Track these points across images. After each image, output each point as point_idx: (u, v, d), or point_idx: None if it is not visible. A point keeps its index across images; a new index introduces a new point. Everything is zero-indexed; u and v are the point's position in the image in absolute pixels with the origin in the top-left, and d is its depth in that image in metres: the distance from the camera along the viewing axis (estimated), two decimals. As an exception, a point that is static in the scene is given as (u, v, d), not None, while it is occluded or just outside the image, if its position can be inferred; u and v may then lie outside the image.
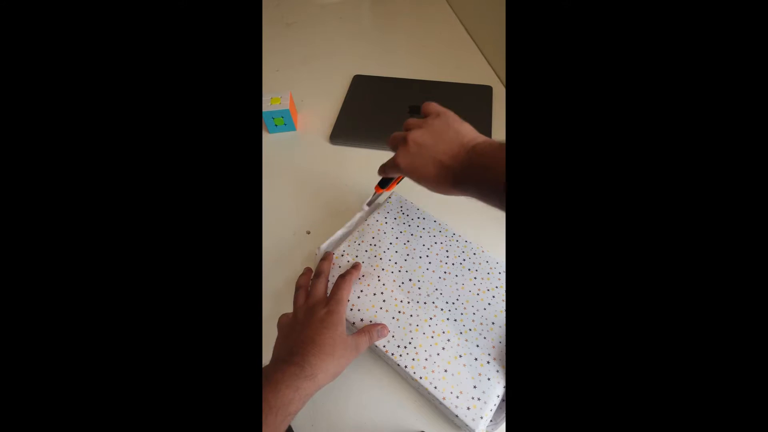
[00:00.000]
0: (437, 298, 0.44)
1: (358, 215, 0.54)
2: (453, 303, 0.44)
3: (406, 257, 0.47)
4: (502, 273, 0.46)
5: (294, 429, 0.38)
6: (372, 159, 0.64)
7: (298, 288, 0.44)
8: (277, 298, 0.48)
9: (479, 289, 0.45)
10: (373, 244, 0.49)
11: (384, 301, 0.44)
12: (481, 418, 0.37)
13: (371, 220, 0.51)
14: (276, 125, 0.67)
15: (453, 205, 0.55)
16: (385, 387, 0.42)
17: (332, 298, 0.40)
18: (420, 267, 0.47)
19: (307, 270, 0.46)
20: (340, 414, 0.41)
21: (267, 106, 0.65)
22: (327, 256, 0.47)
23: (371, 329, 0.40)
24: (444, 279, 0.45)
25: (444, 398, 0.38)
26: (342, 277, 0.43)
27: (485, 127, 0.66)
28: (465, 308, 0.43)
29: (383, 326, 0.41)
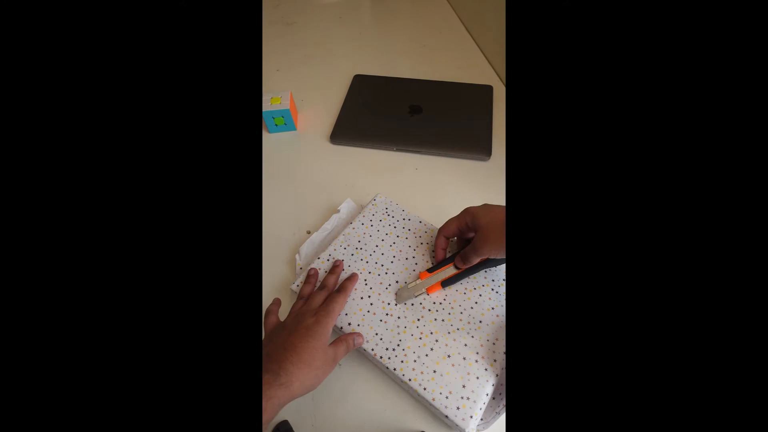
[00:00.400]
0: (424, 299, 0.44)
1: (334, 218, 0.54)
2: (440, 303, 0.44)
3: (393, 259, 0.47)
4: (488, 271, 0.46)
5: (294, 429, 0.39)
6: (372, 159, 0.64)
7: (300, 297, 0.44)
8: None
9: (466, 288, 0.45)
10: (359, 248, 0.49)
11: (371, 304, 0.44)
12: (471, 417, 0.37)
13: (356, 223, 0.51)
14: (276, 125, 0.67)
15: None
16: (386, 387, 0.42)
17: (323, 309, 0.39)
18: (407, 268, 0.47)
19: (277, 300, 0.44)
20: (341, 414, 0.41)
21: (267, 105, 0.65)
22: (335, 270, 0.46)
23: (347, 338, 0.40)
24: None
25: (433, 399, 0.38)
26: (338, 292, 0.43)
27: (485, 127, 0.66)
28: (452, 308, 0.43)
29: (359, 334, 0.41)
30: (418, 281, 0.45)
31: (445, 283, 0.44)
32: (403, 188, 0.60)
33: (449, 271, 0.45)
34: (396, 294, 0.44)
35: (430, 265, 0.47)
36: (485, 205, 0.42)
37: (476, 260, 0.42)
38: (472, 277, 0.45)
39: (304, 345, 0.36)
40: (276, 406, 0.32)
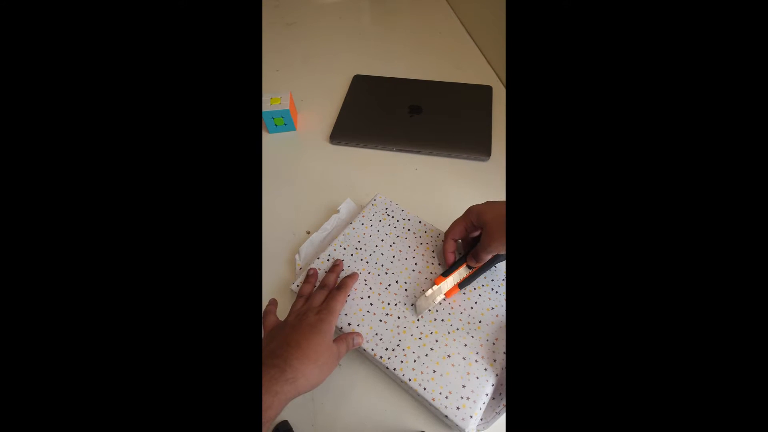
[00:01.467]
0: (440, 303, 0.44)
1: (334, 218, 0.54)
2: (440, 303, 0.44)
3: (392, 259, 0.47)
4: (488, 271, 0.46)
5: (294, 429, 0.39)
6: (372, 159, 0.64)
7: (299, 296, 0.44)
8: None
9: (465, 288, 0.45)
10: (358, 248, 0.49)
11: (371, 304, 0.44)
12: (471, 417, 0.37)
13: (356, 223, 0.51)
14: (276, 125, 0.67)
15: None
16: (386, 387, 0.42)
17: (325, 307, 0.40)
18: (406, 269, 0.47)
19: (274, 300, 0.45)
20: (341, 414, 0.41)
21: (267, 106, 0.65)
22: (335, 269, 0.46)
23: (347, 337, 0.40)
24: (430, 279, 0.45)
25: (433, 399, 0.38)
26: (338, 289, 0.43)
27: (485, 127, 0.66)
28: (452, 308, 0.43)
29: (358, 334, 0.41)
30: (434, 287, 0.44)
31: (462, 284, 0.44)
32: (403, 188, 0.60)
33: (463, 272, 0.45)
34: (414, 306, 0.44)
35: (432, 266, 0.47)
36: (488, 203, 0.42)
37: (487, 257, 0.43)
38: None
39: (308, 342, 0.36)
40: (282, 402, 0.32)
